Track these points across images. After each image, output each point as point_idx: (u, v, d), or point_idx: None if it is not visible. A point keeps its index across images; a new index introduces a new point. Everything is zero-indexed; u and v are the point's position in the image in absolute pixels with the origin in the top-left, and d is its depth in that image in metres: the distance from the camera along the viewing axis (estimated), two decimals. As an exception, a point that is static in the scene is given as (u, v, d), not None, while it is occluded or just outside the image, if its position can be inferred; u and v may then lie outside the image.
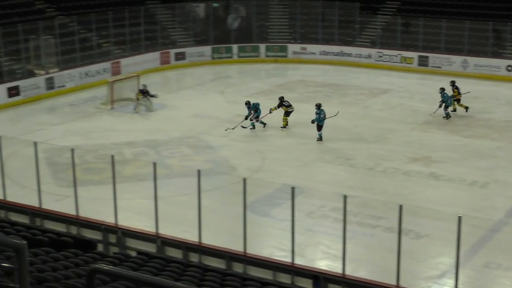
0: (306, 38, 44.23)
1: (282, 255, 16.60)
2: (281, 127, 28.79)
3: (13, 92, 33.06)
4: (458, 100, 30.91)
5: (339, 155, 25.28)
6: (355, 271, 15.80)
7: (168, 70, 40.98)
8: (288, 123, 28.88)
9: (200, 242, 16.12)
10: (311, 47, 43.41)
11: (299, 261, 15.66)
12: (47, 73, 35.22)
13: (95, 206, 19.29)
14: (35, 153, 18.03)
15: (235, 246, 15.94)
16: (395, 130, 28.70)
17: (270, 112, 28.87)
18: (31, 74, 34.85)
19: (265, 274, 15.29)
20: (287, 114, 28.97)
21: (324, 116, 27.37)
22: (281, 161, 24.74)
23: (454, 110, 30.77)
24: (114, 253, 14.92)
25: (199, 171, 16.06)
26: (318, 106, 27.64)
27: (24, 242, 5.52)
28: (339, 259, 15.18)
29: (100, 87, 35.04)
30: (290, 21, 45.12)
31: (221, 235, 17.75)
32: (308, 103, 32.84)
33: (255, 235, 17.69)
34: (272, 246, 17.90)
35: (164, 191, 18.82)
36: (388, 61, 41.43)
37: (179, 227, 17.77)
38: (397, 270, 14.24)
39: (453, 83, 31.15)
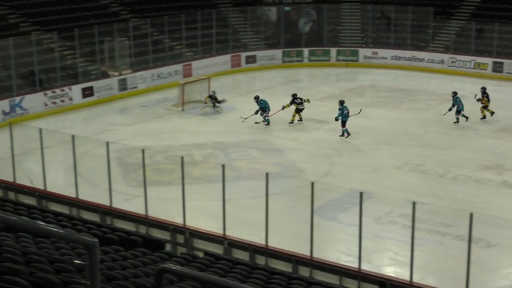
0: (378, 42, 43.88)
1: (348, 260, 16.50)
2: (289, 123, 29.78)
3: (88, 92, 33.77)
4: (486, 107, 30.45)
5: (409, 161, 24.98)
6: (422, 279, 15.60)
7: (238, 73, 41.21)
8: (302, 119, 29.99)
9: (266, 245, 16.15)
10: (382, 52, 43.03)
11: (365, 267, 15.54)
12: (120, 75, 35.85)
13: (164, 206, 19.52)
14: (107, 153, 18.38)
15: (302, 250, 15.92)
16: (466, 137, 28.22)
17: (282, 109, 29.79)
18: (105, 75, 35.54)
19: (331, 279, 15.23)
20: (297, 111, 29.95)
21: (348, 112, 27.99)
22: (350, 166, 24.59)
23: (484, 117, 30.55)
24: (182, 253, 15.07)
25: (267, 174, 16.09)
26: (342, 103, 28.44)
27: (96, 240, 5.62)
28: (406, 266, 15.00)
29: (171, 89, 35.46)
30: (362, 25, 44.85)
31: (287, 238, 17.73)
32: (378, 108, 32.64)
33: (322, 240, 17.63)
34: (338, 251, 17.81)
35: (231, 193, 18.94)
36: (462, 67, 40.72)
37: (246, 229, 17.84)
38: (466, 279, 13.99)
39: (483, 90, 30.71)
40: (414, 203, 14.43)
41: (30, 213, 15.53)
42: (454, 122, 29.84)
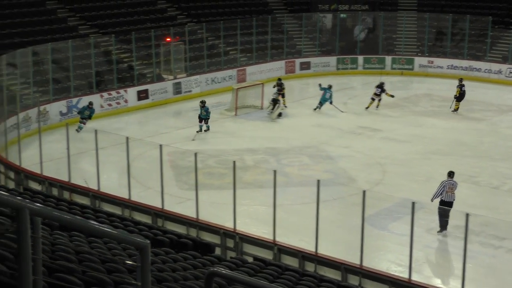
0: (434, 51, 43.43)
1: (399, 270, 16.37)
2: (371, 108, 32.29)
3: (143, 95, 34.15)
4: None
5: (463, 172, 24.58)
6: (474, 291, 15.38)
7: (292, 79, 41.16)
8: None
9: (316, 252, 16.10)
10: (438, 61, 42.56)
11: (416, 278, 15.38)
12: (175, 78, 36.17)
13: (215, 210, 19.61)
14: (160, 155, 18.55)
15: (351, 258, 15.84)
16: (523, 149, 27.75)
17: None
18: (160, 79, 35.89)
19: (380, 289, 15.13)
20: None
21: (330, 97, 32.35)
22: (403, 175, 24.36)
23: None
24: (231, 257, 15.11)
25: (318, 181, 16.06)
26: (329, 87, 32.76)
27: (148, 241, 5.67)
28: (458, 278, 14.81)
29: (225, 94, 35.64)
30: (418, 33, 44.44)
31: (337, 246, 17.66)
32: (432, 117, 32.30)
33: (372, 248, 17.50)
34: (389, 260, 17.66)
35: (282, 199, 18.92)
36: (520, 78, 40.06)
37: (296, 235, 17.82)
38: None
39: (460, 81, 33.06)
40: (467, 215, 14.23)
41: (83, 212, 15.77)
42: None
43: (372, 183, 23.14)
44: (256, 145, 27.65)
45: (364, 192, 15.56)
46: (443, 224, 18.83)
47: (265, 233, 17.35)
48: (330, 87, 33.15)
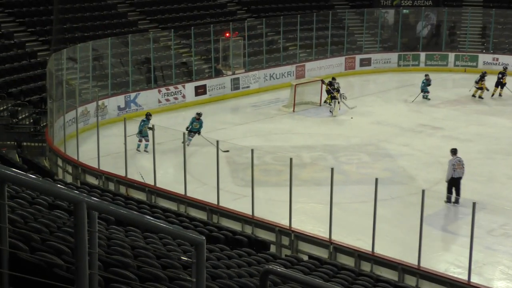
0: (499, 48, 42.67)
1: (458, 272, 16.21)
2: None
3: (201, 90, 34.44)
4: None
5: (527, 173, 24.24)
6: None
7: (352, 76, 40.99)
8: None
9: (373, 251, 16.05)
10: (504, 58, 41.78)
11: (475, 280, 15.22)
12: (234, 74, 36.37)
13: (271, 207, 19.69)
14: (217, 151, 18.71)
15: (409, 258, 15.75)
16: None
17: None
18: (218, 74, 36.14)
19: (438, 290, 15.02)
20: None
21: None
22: (464, 174, 24.01)
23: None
24: (286, 255, 15.18)
25: (376, 180, 15.99)
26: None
27: (203, 237, 5.76)
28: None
29: (283, 90, 35.69)
30: (483, 30, 43.74)
31: (394, 246, 17.56)
32: (496, 116, 31.81)
33: (430, 249, 17.36)
34: (447, 261, 17.49)
35: (339, 197, 18.90)
36: None
37: (352, 234, 17.79)
38: None
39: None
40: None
41: (139, 208, 16.01)
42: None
43: (431, 182, 22.91)
44: (314, 142, 27.64)
45: (423, 191, 15.45)
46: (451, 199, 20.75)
47: (321, 232, 17.36)
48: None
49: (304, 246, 17.02)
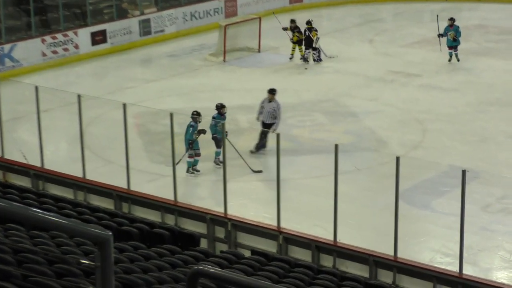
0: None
1: (446, 262, 16.48)
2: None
3: (98, 38, 34.04)
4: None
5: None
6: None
7: (299, 11, 40.89)
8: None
9: (335, 241, 16.16)
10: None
11: (469, 271, 15.46)
12: (142, 14, 36.01)
13: (200, 189, 19.68)
14: (124, 118, 18.53)
15: (382, 248, 15.89)
16: None
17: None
18: (121, 15, 35.70)
19: (423, 287, 15.20)
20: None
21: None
22: (450, 134, 24.37)
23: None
24: (222, 251, 15.19)
25: (336, 146, 16.05)
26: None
27: (109, 233, 5.69)
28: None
29: (209, 33, 35.54)
30: None
31: (363, 232, 17.74)
32: (488, 56, 32.30)
33: (410, 234, 17.59)
34: (432, 249, 17.74)
35: (289, 171, 18.95)
36: None
37: (307, 220, 17.90)
38: None
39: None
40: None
41: (22, 197, 15.79)
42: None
43: (408, 146, 23.17)
44: (252, 101, 27.47)
45: (397, 158, 15.58)
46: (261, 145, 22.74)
47: (266, 218, 17.41)
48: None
49: (245, 239, 17.04)
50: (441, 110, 26.50)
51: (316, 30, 31.50)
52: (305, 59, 31.55)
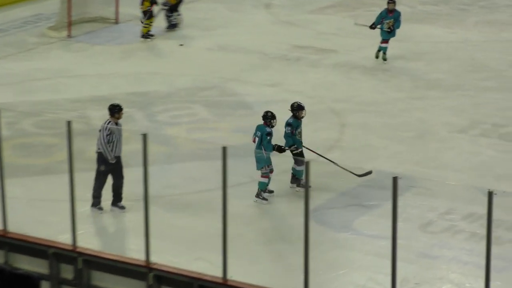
0: None
1: (375, 302, 16.68)
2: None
3: None
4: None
5: (482, 119, 25.07)
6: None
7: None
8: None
9: (225, 278, 16.20)
10: None
11: (406, 313, 15.70)
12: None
13: (38, 212, 19.51)
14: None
15: (289, 286, 16.00)
16: None
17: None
18: None
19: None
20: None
21: None
22: (375, 129, 24.64)
23: None
24: (71, 298, 15.12)
25: (224, 149, 16.07)
26: None
27: None
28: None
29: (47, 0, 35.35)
30: None
31: (263, 265, 17.78)
32: (425, 23, 32.89)
33: (326, 265, 17.70)
34: (356, 284, 17.89)
35: (161, 185, 18.92)
36: None
37: (187, 251, 17.93)
38: None
39: None
40: (490, 194, 14.49)
41: None
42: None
43: (321, 146, 23.29)
44: (109, 90, 27.51)
45: (307, 163, 15.67)
46: None
47: (132, 250, 17.36)
48: None
49: (103, 279, 16.93)
50: (365, 97, 26.80)
51: None
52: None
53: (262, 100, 26.61)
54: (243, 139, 23.81)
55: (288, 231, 17.87)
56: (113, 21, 33.56)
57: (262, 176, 20.49)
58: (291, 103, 25.53)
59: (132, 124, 24.81)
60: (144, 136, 16.76)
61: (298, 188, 20.54)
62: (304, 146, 20.61)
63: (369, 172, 20.71)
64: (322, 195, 19.03)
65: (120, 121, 19.93)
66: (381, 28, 29.22)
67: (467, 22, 32.90)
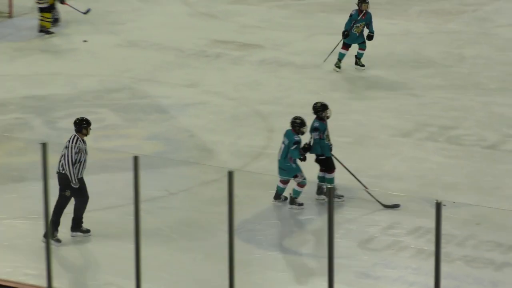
0: None
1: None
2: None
3: None
4: None
5: (427, 121, 25.21)
6: None
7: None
8: None
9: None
10: None
11: None
12: None
13: None
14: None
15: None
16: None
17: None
18: None
19: None
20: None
21: None
22: (308, 134, 24.65)
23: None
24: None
25: (136, 159, 15.98)
26: None
27: None
28: None
29: None
30: None
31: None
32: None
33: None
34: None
35: (54, 202, 18.82)
36: None
37: (98, 275, 17.80)
38: None
39: None
40: (438, 205, 14.52)
41: None
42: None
43: (246, 155, 23.34)
44: (3, 94, 27.36)
45: (230, 173, 15.62)
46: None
47: (29, 276, 17.23)
48: None
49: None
50: (295, 98, 26.82)
51: None
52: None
53: (178, 103, 26.61)
54: (157, 147, 23.80)
55: (212, 250, 17.77)
56: (6, 15, 33.39)
57: (298, 185, 20.77)
58: (210, 105, 25.66)
59: (29, 132, 24.69)
60: (44, 146, 16.62)
61: (323, 196, 20.82)
62: (333, 155, 20.55)
63: (397, 205, 20.78)
64: (242, 210, 18.91)
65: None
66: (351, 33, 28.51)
67: (410, 11, 33.08)
